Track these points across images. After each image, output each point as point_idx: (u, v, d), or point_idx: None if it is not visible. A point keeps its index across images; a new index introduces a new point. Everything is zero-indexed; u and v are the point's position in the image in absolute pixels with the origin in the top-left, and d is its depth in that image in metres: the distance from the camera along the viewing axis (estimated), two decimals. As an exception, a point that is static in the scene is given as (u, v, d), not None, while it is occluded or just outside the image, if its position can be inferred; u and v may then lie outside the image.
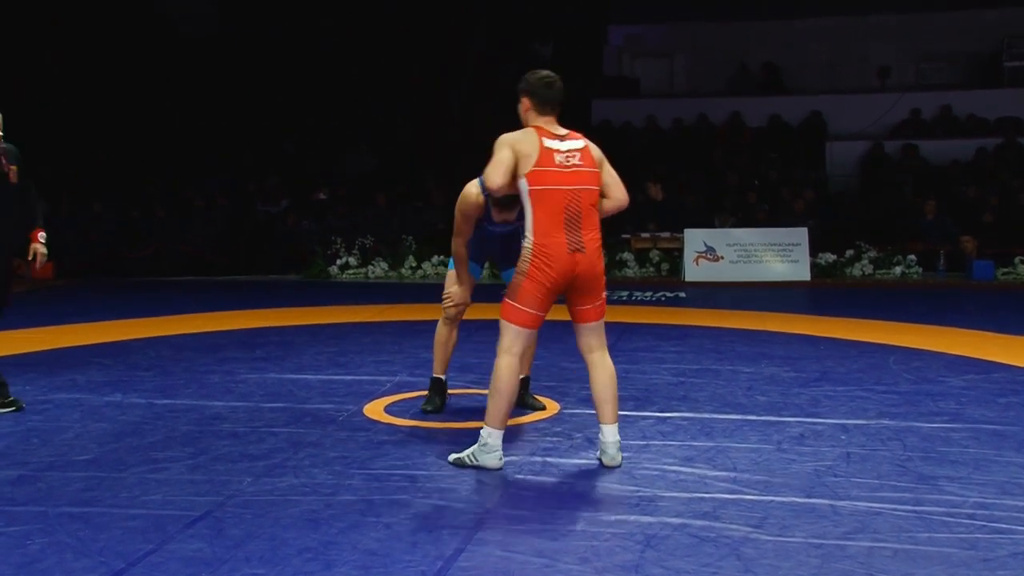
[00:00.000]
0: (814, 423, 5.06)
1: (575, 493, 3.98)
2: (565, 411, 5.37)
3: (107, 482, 4.11)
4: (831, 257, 13.14)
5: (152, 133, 16.82)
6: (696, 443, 4.68)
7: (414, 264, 13.73)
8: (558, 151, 4.19)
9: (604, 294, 4.36)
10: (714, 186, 15.33)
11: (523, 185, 4.18)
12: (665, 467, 4.28)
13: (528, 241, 4.20)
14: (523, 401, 5.29)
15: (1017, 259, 12.70)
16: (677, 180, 15.15)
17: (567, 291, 4.26)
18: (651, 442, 4.70)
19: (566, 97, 4.33)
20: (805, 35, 18.02)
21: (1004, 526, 3.53)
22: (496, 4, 17.48)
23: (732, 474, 4.17)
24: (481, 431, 4.25)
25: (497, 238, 5.22)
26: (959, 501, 3.80)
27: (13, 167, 5.49)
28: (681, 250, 13.14)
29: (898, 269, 13.02)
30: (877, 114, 16.72)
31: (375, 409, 5.45)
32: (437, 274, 13.18)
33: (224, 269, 14.31)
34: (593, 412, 4.41)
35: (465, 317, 5.43)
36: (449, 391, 5.55)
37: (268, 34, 17.24)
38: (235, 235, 14.96)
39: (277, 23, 17.27)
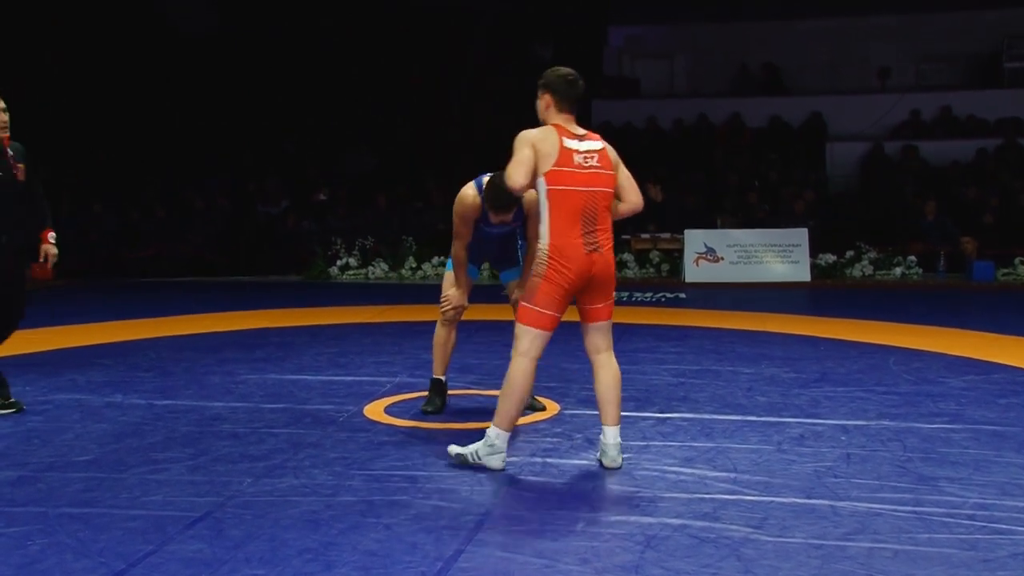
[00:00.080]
0: (814, 424, 5.06)
1: (575, 494, 3.98)
2: (565, 412, 5.36)
3: (107, 483, 4.11)
4: (831, 258, 13.15)
5: (152, 133, 16.82)
6: (696, 444, 4.68)
7: (414, 265, 13.74)
8: (577, 151, 4.17)
9: (614, 294, 4.36)
10: (714, 187, 15.34)
11: (541, 184, 4.16)
12: (665, 468, 4.28)
13: (543, 242, 4.16)
14: (523, 402, 5.30)
15: (1017, 260, 12.72)
16: (677, 181, 15.15)
17: (580, 290, 4.25)
18: (651, 443, 4.70)
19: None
20: (805, 36, 18.02)
21: (1004, 527, 3.53)
22: (496, 4, 17.47)
23: (732, 475, 4.17)
24: (488, 431, 4.24)
25: (494, 239, 5.23)
26: (959, 502, 3.80)
27: (20, 165, 5.44)
28: (681, 251, 13.15)
29: (898, 270, 13.03)
30: (877, 115, 16.73)
31: (375, 410, 5.44)
32: (437, 275, 13.17)
33: (224, 270, 14.33)
34: (593, 413, 4.41)
35: (465, 318, 5.43)
36: (449, 392, 5.54)
37: (268, 34, 17.24)
38: (235, 236, 14.97)
39: (277, 23, 17.27)
